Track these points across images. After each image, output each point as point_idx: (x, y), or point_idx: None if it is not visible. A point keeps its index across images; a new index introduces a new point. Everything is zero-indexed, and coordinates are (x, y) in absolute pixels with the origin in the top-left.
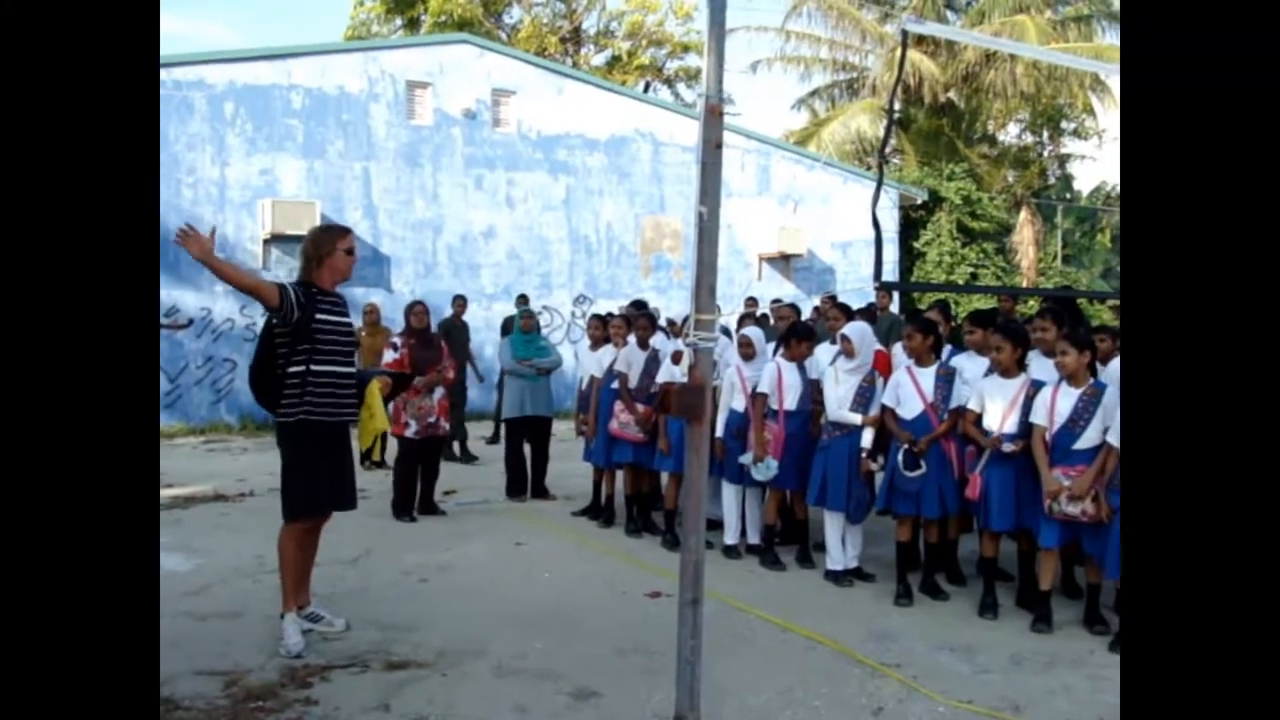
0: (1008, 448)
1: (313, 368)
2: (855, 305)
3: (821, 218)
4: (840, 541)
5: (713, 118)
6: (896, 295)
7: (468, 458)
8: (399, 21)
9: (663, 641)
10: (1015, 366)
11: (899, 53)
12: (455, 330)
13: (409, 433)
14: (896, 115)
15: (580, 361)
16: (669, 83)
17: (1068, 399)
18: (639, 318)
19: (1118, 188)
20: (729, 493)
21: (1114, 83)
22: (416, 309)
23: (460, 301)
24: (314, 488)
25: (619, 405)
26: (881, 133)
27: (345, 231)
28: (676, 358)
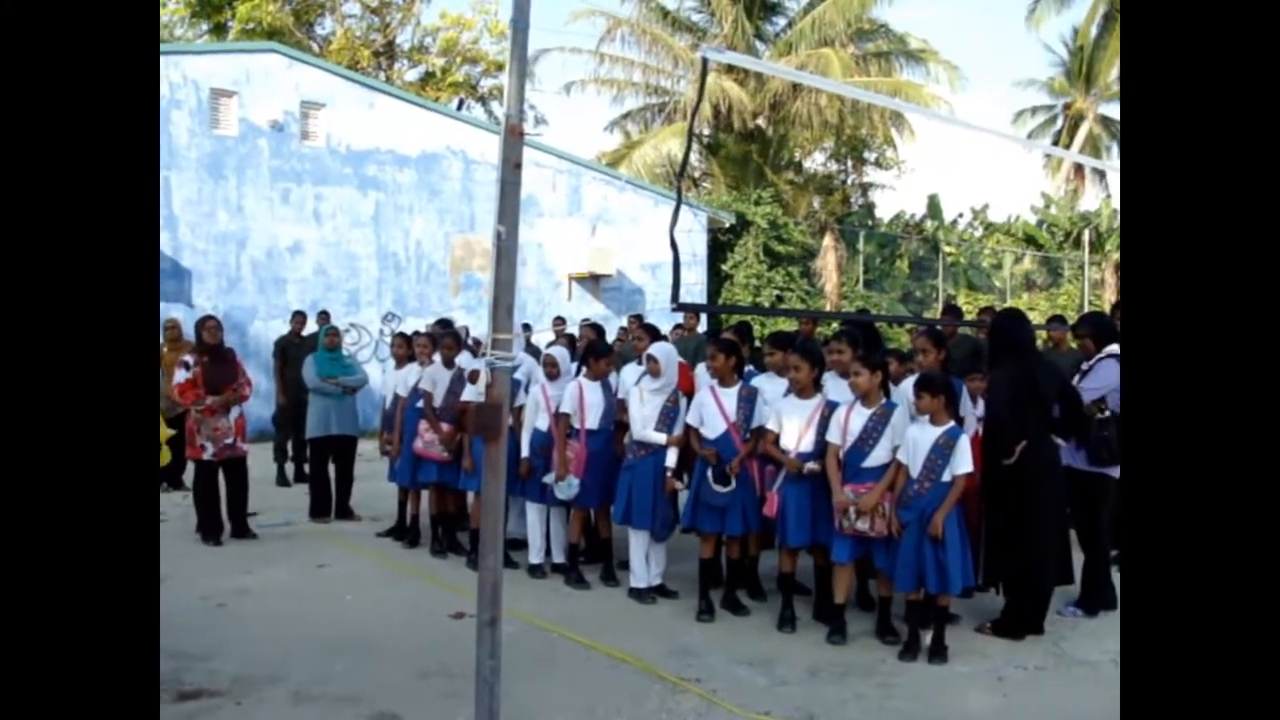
0: (809, 468)
1: None
2: (665, 326)
3: (631, 239)
4: (644, 559)
5: (513, 138)
6: (704, 317)
7: (302, 478)
8: (204, 26)
9: (465, 662)
10: (812, 387)
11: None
12: (292, 348)
13: (206, 455)
14: (706, 140)
15: (385, 380)
16: (483, 100)
17: (860, 418)
18: (444, 336)
19: (915, 216)
20: (533, 512)
21: (914, 117)
22: (209, 324)
23: (299, 318)
24: None
25: (424, 424)
26: (692, 156)
27: None
28: (474, 377)
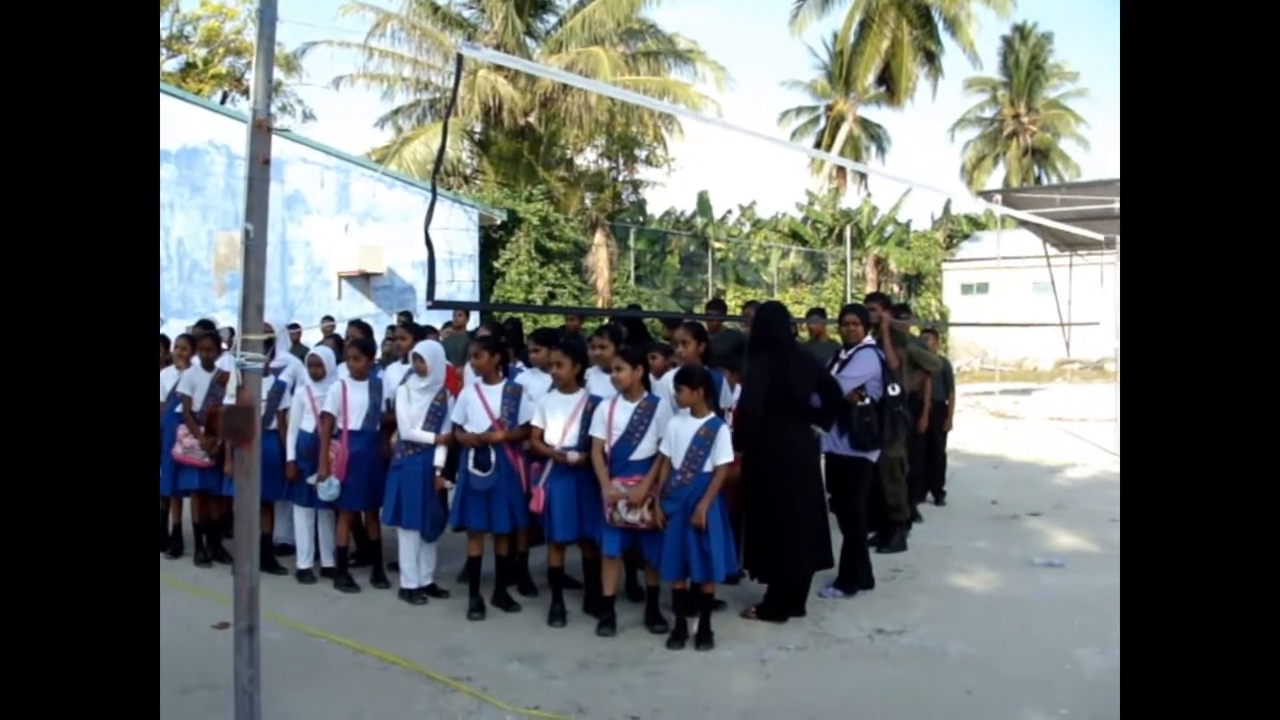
0: (573, 457)
1: None
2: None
3: (402, 236)
4: (415, 560)
5: (261, 133)
6: (476, 315)
7: None
8: None
9: (229, 674)
10: (575, 382)
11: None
12: None
13: None
14: (477, 137)
15: None
16: (248, 93)
17: (624, 412)
18: (203, 337)
19: (685, 212)
20: (300, 516)
21: (685, 120)
22: None
23: None
24: None
25: (183, 429)
26: (462, 154)
27: None
28: (223, 378)
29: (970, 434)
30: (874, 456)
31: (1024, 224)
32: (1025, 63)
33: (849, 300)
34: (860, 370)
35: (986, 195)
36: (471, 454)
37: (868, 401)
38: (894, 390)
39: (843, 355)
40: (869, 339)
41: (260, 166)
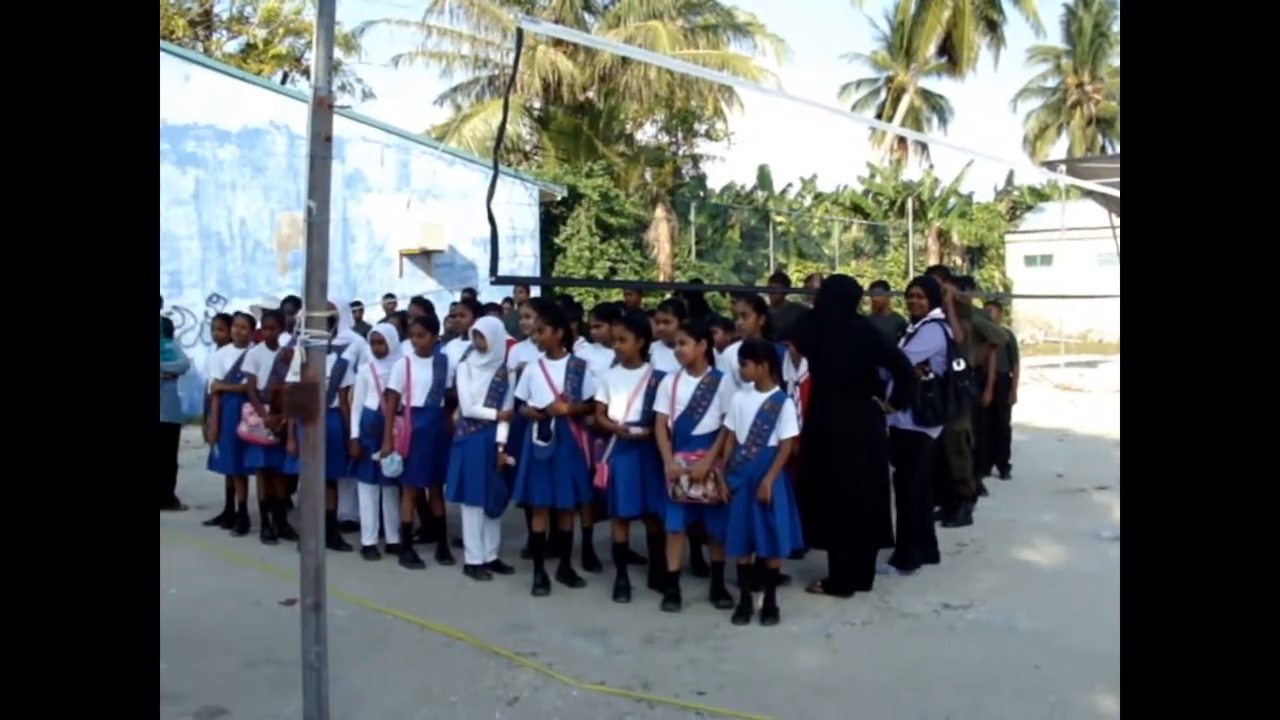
0: (636, 431)
1: None
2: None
3: (463, 213)
4: (479, 536)
5: (322, 111)
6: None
7: None
8: None
9: (295, 650)
10: (638, 357)
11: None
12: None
13: None
14: (536, 114)
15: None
16: (307, 74)
17: (687, 387)
18: (267, 316)
19: (746, 186)
20: (365, 493)
21: (745, 93)
22: None
23: None
24: None
25: (248, 408)
26: (522, 130)
27: None
28: (287, 356)
29: (1035, 407)
30: (935, 432)
31: (1089, 194)
32: (1089, 30)
33: (911, 273)
34: (925, 345)
35: (1050, 165)
36: (536, 426)
37: (931, 376)
38: (959, 365)
39: (909, 329)
40: (935, 313)
41: (322, 144)
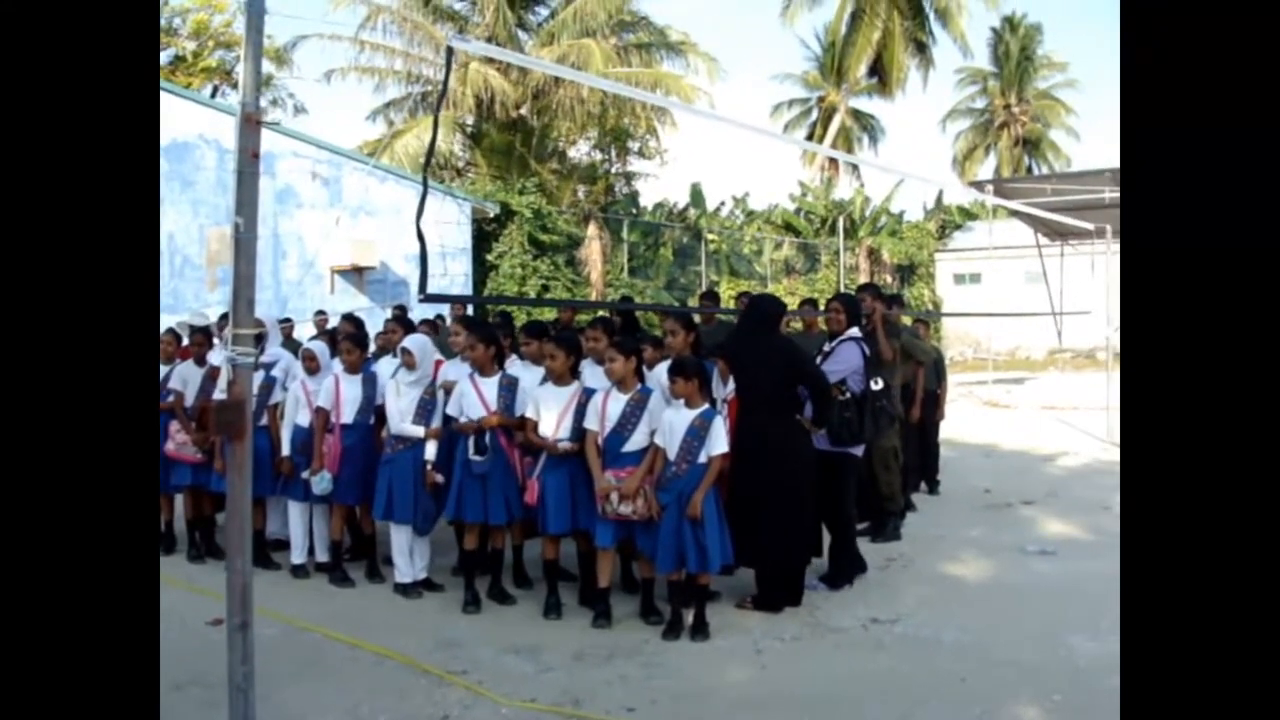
0: (564, 446)
1: None
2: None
3: (395, 230)
4: (408, 554)
5: (250, 127)
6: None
7: None
8: None
9: (222, 671)
10: (568, 374)
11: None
12: None
13: None
14: (469, 130)
15: None
16: (238, 87)
17: (617, 404)
18: (195, 333)
19: (678, 204)
20: (295, 511)
21: (678, 113)
22: None
23: None
24: None
25: (175, 425)
26: (455, 146)
27: None
28: (214, 373)
29: (963, 423)
30: (858, 451)
31: (1015, 214)
32: (1015, 53)
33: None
34: (841, 364)
35: (978, 185)
36: (471, 441)
37: (848, 395)
38: (876, 384)
39: (826, 347)
40: (853, 330)
41: (250, 160)
